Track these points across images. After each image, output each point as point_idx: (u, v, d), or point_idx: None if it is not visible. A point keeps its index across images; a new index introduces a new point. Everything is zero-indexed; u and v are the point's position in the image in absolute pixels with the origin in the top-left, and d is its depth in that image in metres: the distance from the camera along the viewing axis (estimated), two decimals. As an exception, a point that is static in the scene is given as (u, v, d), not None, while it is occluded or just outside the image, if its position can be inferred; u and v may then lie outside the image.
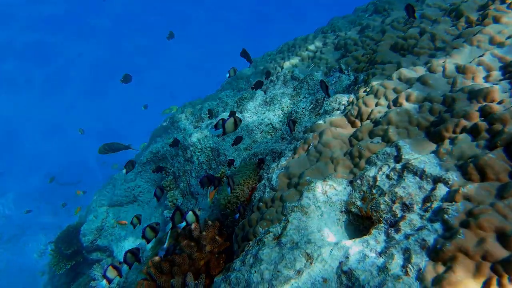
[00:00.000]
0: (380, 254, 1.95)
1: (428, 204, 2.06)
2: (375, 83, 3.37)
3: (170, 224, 3.06)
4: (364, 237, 2.14)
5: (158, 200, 4.33)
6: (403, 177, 2.29)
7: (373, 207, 2.29)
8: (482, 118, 2.35)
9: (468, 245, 1.66)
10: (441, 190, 2.07)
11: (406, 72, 3.31)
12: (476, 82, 2.86)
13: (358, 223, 2.48)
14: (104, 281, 3.14)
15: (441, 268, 1.67)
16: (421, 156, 2.37)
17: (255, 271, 2.18)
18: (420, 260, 1.76)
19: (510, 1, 3.53)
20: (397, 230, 2.02)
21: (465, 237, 1.69)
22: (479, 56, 3.06)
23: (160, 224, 3.55)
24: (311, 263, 2.10)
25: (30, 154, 24.41)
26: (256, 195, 3.19)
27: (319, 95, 4.83)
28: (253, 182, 3.72)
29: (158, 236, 3.97)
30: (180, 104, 9.22)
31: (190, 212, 3.14)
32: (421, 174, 2.24)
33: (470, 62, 3.04)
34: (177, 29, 10.19)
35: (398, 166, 2.39)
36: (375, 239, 2.08)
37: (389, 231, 2.07)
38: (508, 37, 3.14)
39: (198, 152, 6.20)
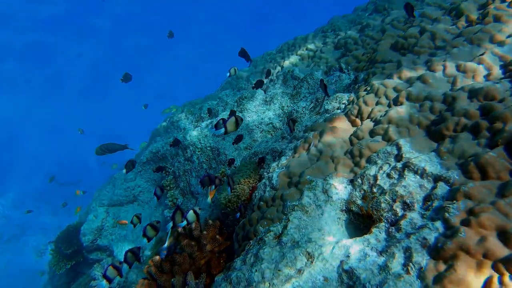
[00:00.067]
0: (381, 252, 1.95)
1: (429, 203, 2.06)
2: (375, 82, 3.37)
3: (171, 223, 3.06)
4: (365, 236, 2.13)
5: (158, 200, 4.33)
6: (404, 176, 2.29)
7: (373, 205, 2.29)
8: (483, 117, 2.35)
9: (469, 243, 1.66)
10: (442, 188, 2.07)
11: (406, 71, 3.31)
12: (476, 80, 2.86)
13: (359, 222, 2.48)
14: (104, 282, 3.14)
15: (442, 267, 1.67)
16: (422, 155, 2.37)
17: (256, 270, 2.18)
18: (421, 258, 1.75)
19: (510, 0, 3.53)
20: (398, 229, 2.01)
21: (466, 236, 1.69)
22: (480, 55, 3.06)
23: (161, 223, 3.55)
24: (312, 262, 2.09)
25: (30, 154, 24.40)
26: (257, 194, 3.19)
27: (319, 94, 4.82)
28: (254, 181, 3.72)
29: (159, 235, 3.97)
30: (172, 104, 9.25)
31: (191, 211, 3.14)
32: (421, 173, 2.24)
33: (471, 61, 3.04)
34: (177, 29, 10.20)
35: (399, 165, 2.39)
36: (376, 238, 2.08)
37: (390, 229, 2.07)
38: (509, 36, 3.14)
39: (198, 151, 6.19)
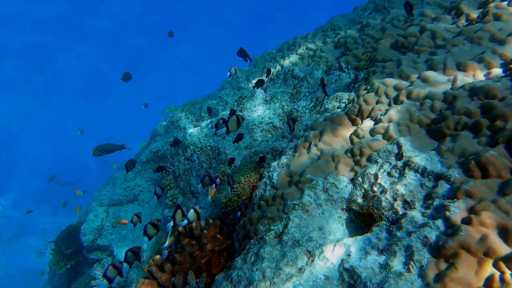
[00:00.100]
0: (382, 251, 1.95)
1: (430, 201, 2.05)
2: (375, 81, 3.37)
3: (171, 223, 3.05)
4: (366, 234, 2.13)
5: (158, 199, 4.32)
6: (405, 175, 2.28)
7: (374, 204, 2.29)
8: (483, 115, 2.35)
9: (470, 241, 1.66)
10: (443, 187, 2.07)
11: (406, 69, 3.31)
12: (477, 79, 2.86)
13: (360, 220, 2.48)
14: (105, 282, 3.14)
15: (443, 265, 1.67)
16: (423, 154, 2.36)
17: (257, 269, 2.18)
18: (422, 257, 1.75)
19: (510, -1, 3.53)
20: (399, 228, 2.01)
21: (467, 234, 1.68)
22: (480, 54, 3.05)
23: (161, 222, 3.55)
24: (312, 260, 2.09)
25: (30, 154, 24.39)
26: (257, 193, 3.18)
27: (319, 94, 4.82)
28: (254, 180, 3.71)
29: (159, 234, 3.97)
30: (172, 104, 9.24)
31: (192, 210, 3.14)
32: (422, 172, 2.23)
33: (471, 60, 3.03)
34: (177, 29, 10.19)
35: (400, 163, 2.38)
36: (377, 237, 2.07)
37: (391, 228, 2.07)
38: (509, 34, 3.14)
39: (198, 151, 6.19)
